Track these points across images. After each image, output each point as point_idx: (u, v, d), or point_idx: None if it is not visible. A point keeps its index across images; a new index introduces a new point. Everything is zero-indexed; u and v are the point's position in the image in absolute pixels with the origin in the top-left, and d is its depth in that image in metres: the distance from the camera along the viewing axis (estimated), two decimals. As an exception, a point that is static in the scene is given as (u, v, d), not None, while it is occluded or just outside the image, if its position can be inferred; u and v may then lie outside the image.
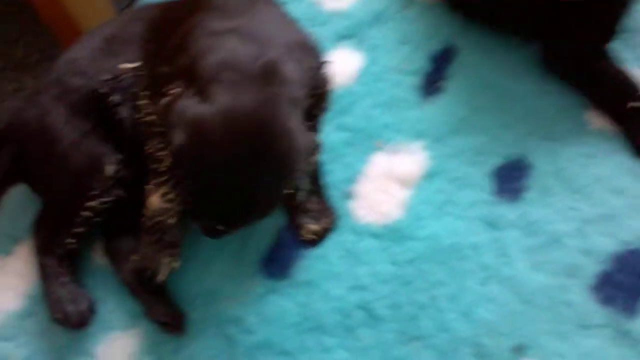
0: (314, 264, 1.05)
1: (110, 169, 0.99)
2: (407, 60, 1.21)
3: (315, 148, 0.96)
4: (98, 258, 1.09)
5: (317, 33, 1.21)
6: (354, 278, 1.04)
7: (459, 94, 1.18)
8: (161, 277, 0.97)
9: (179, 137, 0.84)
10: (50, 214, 1.04)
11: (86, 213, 1.00)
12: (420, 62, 1.21)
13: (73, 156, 0.99)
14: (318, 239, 1.06)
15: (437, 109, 1.16)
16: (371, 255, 1.05)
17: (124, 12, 1.12)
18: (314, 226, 1.05)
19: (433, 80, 1.19)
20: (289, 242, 1.07)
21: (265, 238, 1.07)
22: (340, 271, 1.04)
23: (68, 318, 1.00)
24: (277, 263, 1.05)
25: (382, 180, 1.11)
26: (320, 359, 0.99)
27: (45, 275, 1.02)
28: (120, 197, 1.01)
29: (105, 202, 1.00)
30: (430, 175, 1.11)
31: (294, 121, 0.87)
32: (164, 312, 1.01)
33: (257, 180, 0.85)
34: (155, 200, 0.88)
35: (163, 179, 0.88)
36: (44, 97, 1.02)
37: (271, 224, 1.08)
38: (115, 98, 0.97)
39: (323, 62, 1.00)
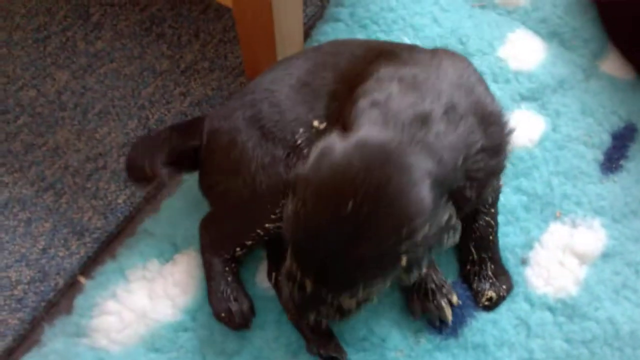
0: (486, 327, 1.01)
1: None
2: (589, 132, 1.18)
3: (452, 227, 0.84)
4: (260, 283, 1.06)
5: (500, 90, 1.21)
6: (527, 350, 1.00)
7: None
8: (449, 316, 1.00)
9: (306, 163, 0.81)
10: (223, 223, 1.03)
11: (259, 231, 0.98)
12: (601, 136, 1.18)
13: (261, 177, 0.97)
14: (493, 305, 1.03)
15: (618, 188, 1.13)
16: (545, 329, 1.01)
17: (318, 46, 1.10)
18: (491, 293, 1.02)
19: (614, 158, 1.16)
20: (460, 298, 1.03)
21: (436, 291, 1.04)
22: (513, 341, 1.00)
23: (231, 317, 1.00)
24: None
25: (560, 252, 1.07)
26: None
27: (211, 273, 1.02)
28: None
29: (280, 227, 0.97)
30: (608, 255, 1.08)
31: (423, 191, 0.78)
32: (330, 346, 0.98)
33: (356, 237, 0.76)
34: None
35: None
36: (237, 115, 1.01)
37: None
38: (306, 150, 0.95)
39: (503, 128, 0.91)
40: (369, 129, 0.82)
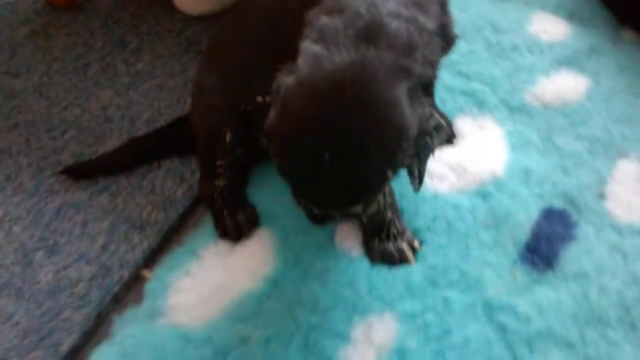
0: (581, 257, 0.98)
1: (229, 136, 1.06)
2: (631, 84, 1.22)
3: (436, 125, 0.83)
4: (340, 244, 1.02)
5: (538, 60, 1.26)
6: (629, 274, 0.96)
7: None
8: (411, 258, 1.00)
9: (271, 116, 0.79)
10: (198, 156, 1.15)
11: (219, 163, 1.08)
12: (645, 86, 1.22)
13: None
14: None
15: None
16: (642, 252, 0.98)
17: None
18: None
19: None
20: (547, 233, 1.00)
21: (521, 228, 1.01)
22: (612, 266, 0.97)
23: (227, 233, 1.05)
24: (539, 254, 0.98)
25: (635, 184, 1.07)
26: (607, 353, 0.89)
27: (207, 201, 1.09)
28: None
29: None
30: (681, 184, 1.07)
31: (397, 91, 0.75)
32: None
33: (345, 160, 0.75)
34: None
35: None
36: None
37: (524, 215, 1.02)
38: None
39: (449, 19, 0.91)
40: (314, 59, 0.76)
